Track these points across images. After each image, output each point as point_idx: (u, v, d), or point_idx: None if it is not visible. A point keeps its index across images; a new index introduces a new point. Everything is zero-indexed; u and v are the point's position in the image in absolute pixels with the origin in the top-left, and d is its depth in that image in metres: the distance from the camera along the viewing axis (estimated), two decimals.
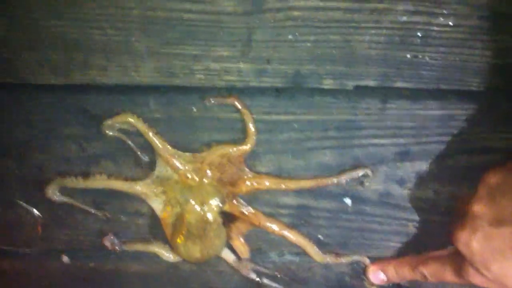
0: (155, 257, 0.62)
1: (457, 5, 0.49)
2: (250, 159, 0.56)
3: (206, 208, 0.54)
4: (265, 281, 0.60)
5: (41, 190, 0.58)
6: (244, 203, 0.57)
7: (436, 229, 0.58)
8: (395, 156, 0.56)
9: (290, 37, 0.51)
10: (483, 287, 0.50)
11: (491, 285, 0.49)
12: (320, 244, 0.60)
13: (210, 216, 0.54)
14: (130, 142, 0.54)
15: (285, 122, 0.55)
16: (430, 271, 0.55)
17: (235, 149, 0.53)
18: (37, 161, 0.58)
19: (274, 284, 0.60)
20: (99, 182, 0.56)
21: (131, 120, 0.52)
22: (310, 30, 0.51)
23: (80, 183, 0.56)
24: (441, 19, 0.50)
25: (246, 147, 0.54)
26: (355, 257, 0.61)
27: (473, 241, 0.48)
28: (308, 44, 0.51)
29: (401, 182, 0.57)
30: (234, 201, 0.56)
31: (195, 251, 0.55)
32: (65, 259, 0.62)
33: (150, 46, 0.51)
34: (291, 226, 0.59)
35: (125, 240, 0.60)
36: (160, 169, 0.54)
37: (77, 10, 0.50)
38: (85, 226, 0.60)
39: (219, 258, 0.61)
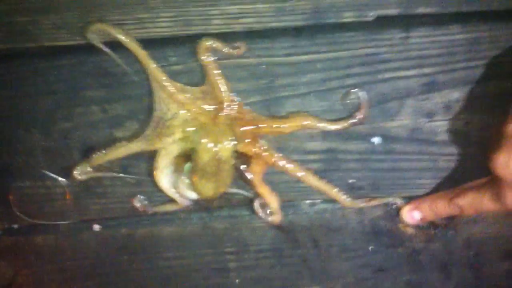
0: (188, 218, 0.57)
1: None
2: (273, 105, 0.50)
3: (219, 146, 0.49)
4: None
5: (68, 160, 0.53)
6: (259, 142, 0.51)
7: (468, 162, 0.53)
8: (421, 87, 0.51)
9: None
10: None
11: None
12: (352, 188, 0.55)
13: (223, 155, 0.50)
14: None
15: (307, 62, 0.50)
16: (467, 201, 0.50)
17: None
18: (62, 130, 0.53)
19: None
20: (122, 150, 0.51)
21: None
22: None
23: (104, 157, 0.52)
24: None
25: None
26: (387, 199, 0.54)
27: (511, 161, 0.44)
28: None
29: (429, 115, 0.52)
30: (246, 141, 0.50)
31: (209, 189, 0.50)
32: (96, 227, 0.57)
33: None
34: (320, 172, 0.53)
35: (155, 202, 0.55)
36: (162, 110, 0.49)
37: None
38: (114, 193, 0.56)
39: (252, 215, 0.55)
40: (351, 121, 0.51)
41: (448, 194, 0.52)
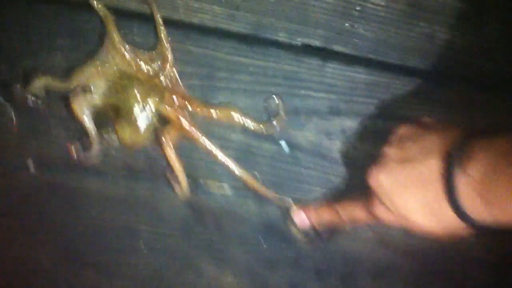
0: (116, 183, 0.61)
1: None
2: (208, 90, 0.58)
3: (147, 100, 0.55)
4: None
5: (23, 94, 0.57)
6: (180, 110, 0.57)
7: (352, 181, 0.60)
8: (326, 109, 0.59)
9: None
10: (387, 220, 0.51)
11: (393, 218, 0.50)
12: (256, 180, 0.60)
13: (148, 108, 0.55)
14: None
15: (242, 64, 0.58)
16: (343, 209, 0.56)
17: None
18: (24, 67, 0.57)
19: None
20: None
21: None
22: None
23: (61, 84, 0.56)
24: None
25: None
26: (280, 198, 0.61)
27: (380, 175, 0.49)
28: (272, 0, 0.55)
29: (328, 134, 0.59)
30: (172, 107, 0.56)
31: (126, 134, 0.55)
32: (31, 167, 0.60)
33: None
34: (232, 159, 0.59)
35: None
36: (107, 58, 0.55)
37: None
38: (58, 136, 0.59)
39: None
40: (268, 125, 0.59)
41: (331, 201, 0.59)
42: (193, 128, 0.58)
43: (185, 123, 0.57)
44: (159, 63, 0.57)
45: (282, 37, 0.57)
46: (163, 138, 0.57)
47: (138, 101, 0.55)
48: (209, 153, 0.59)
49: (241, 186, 0.61)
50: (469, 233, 0.46)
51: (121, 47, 0.56)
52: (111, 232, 0.63)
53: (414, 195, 0.47)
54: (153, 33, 0.57)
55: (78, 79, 0.56)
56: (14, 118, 0.59)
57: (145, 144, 0.57)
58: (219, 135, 0.60)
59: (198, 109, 0.58)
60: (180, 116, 0.57)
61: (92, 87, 0.56)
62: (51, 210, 0.62)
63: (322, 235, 0.62)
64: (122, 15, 0.56)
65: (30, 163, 0.60)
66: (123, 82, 0.56)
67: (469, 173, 0.42)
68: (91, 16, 0.56)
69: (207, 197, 0.62)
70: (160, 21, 0.56)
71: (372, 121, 0.59)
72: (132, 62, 0.56)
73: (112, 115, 0.56)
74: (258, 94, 0.59)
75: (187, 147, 0.60)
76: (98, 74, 0.56)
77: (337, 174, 0.61)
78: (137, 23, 0.57)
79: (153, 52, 0.57)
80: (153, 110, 0.56)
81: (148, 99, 0.55)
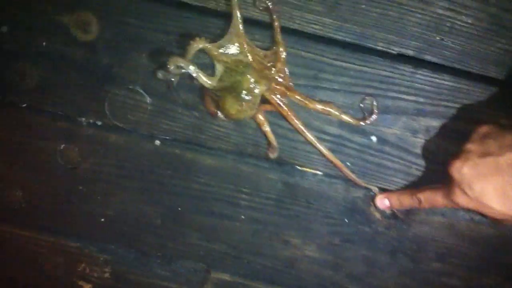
0: (225, 156, 0.71)
1: (477, 11, 0.63)
2: (313, 89, 0.67)
3: (257, 85, 0.62)
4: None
5: (160, 84, 0.67)
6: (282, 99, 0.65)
7: (432, 175, 0.68)
8: (414, 111, 0.67)
9: (363, 6, 0.64)
10: (465, 205, 0.59)
11: (472, 203, 0.58)
12: (347, 168, 0.69)
13: (256, 91, 0.63)
14: None
15: (345, 68, 0.66)
16: (425, 196, 0.63)
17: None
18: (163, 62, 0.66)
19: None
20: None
21: None
22: (377, 5, 0.64)
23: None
24: (464, 17, 0.64)
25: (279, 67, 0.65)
26: (369, 185, 0.70)
27: (464, 167, 0.57)
28: (374, 15, 0.64)
29: (414, 132, 0.67)
30: (274, 96, 0.65)
31: (234, 109, 0.62)
32: (157, 142, 0.70)
33: None
34: (329, 149, 0.69)
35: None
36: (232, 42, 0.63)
37: None
38: (181, 120, 0.69)
39: (270, 168, 0.70)
40: (362, 122, 0.68)
41: (412, 190, 0.67)
42: (290, 115, 0.66)
43: (284, 110, 0.66)
44: (272, 60, 0.65)
45: (380, 46, 0.65)
46: (260, 116, 0.66)
47: (249, 84, 0.63)
48: (305, 139, 0.67)
49: (332, 174, 0.70)
50: None
51: (242, 38, 0.64)
52: (215, 200, 0.72)
53: (492, 183, 0.55)
54: (270, 37, 0.66)
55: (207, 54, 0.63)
56: (148, 101, 0.70)
57: (246, 118, 0.65)
58: (317, 127, 0.68)
59: (301, 99, 0.66)
60: (281, 103, 0.66)
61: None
62: (168, 177, 0.72)
63: (398, 218, 0.72)
64: (246, 21, 0.64)
65: (157, 137, 0.70)
66: (239, 68, 0.64)
67: None
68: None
69: (301, 179, 0.72)
70: (278, 29, 0.65)
71: (453, 122, 0.66)
72: (249, 53, 0.65)
73: (222, 93, 0.64)
74: (355, 95, 0.67)
75: (288, 137, 0.69)
76: (220, 56, 0.64)
77: (419, 167, 0.69)
78: (259, 29, 0.66)
79: (268, 51, 0.66)
80: (259, 94, 0.63)
81: (257, 84, 0.62)
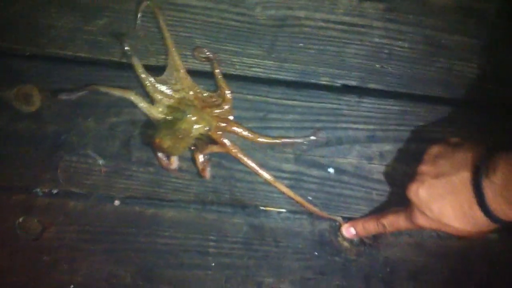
0: (187, 207, 0.69)
1: (412, 34, 0.64)
2: (264, 130, 0.66)
3: (196, 125, 0.62)
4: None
5: (111, 146, 0.67)
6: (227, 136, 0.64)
7: (392, 197, 0.67)
8: (365, 138, 0.66)
9: (301, 45, 0.64)
10: (427, 226, 0.59)
11: (432, 223, 0.58)
12: (310, 203, 0.69)
13: (194, 131, 0.62)
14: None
15: (292, 106, 0.65)
16: (388, 221, 0.63)
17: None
18: (110, 123, 0.67)
19: None
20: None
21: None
22: (315, 42, 0.63)
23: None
24: (400, 42, 0.64)
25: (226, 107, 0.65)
26: (333, 217, 0.69)
27: (420, 190, 0.57)
28: (313, 51, 0.64)
29: (369, 158, 0.67)
30: (218, 133, 0.64)
31: (166, 143, 0.61)
32: (117, 202, 0.68)
33: (206, 41, 0.64)
34: (288, 187, 0.68)
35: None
36: (171, 79, 0.63)
37: None
38: (137, 178, 0.67)
39: (234, 212, 0.70)
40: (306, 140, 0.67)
41: (376, 216, 0.66)
42: (238, 152, 0.65)
43: (232, 150, 0.65)
44: (217, 101, 0.64)
45: (324, 80, 0.65)
46: (198, 155, 0.65)
47: (187, 124, 0.62)
48: (258, 174, 0.66)
49: (296, 210, 0.69)
50: (497, 229, 0.55)
51: (184, 75, 0.63)
52: (183, 251, 0.70)
53: (449, 203, 0.55)
54: (214, 86, 0.65)
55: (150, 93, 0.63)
56: (102, 166, 0.69)
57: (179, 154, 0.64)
58: (274, 166, 0.67)
59: (248, 134, 0.65)
60: (228, 143, 0.65)
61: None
62: (132, 235, 0.69)
63: (367, 244, 0.71)
64: (188, 73, 0.64)
65: (116, 197, 0.69)
66: (181, 105, 0.63)
67: (493, 181, 0.50)
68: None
69: (266, 218, 0.70)
70: (220, 75, 0.65)
71: (405, 144, 0.66)
72: (192, 91, 0.64)
73: (160, 124, 0.64)
74: (306, 130, 0.67)
75: (247, 180, 0.68)
76: (161, 93, 0.64)
77: (379, 192, 0.68)
78: (202, 79, 0.65)
79: (213, 93, 0.65)
80: (196, 134, 0.62)
81: (197, 124, 0.62)
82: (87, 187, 0.67)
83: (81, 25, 0.61)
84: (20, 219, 0.67)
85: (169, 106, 0.63)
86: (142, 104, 0.63)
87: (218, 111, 0.64)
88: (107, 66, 0.63)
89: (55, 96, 0.62)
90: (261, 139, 0.65)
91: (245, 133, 0.65)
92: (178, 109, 0.63)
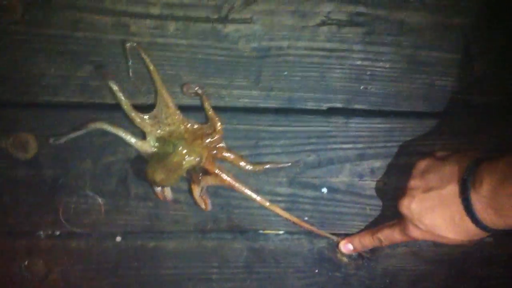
0: (186, 237, 0.71)
1: (392, 54, 0.66)
2: (256, 158, 0.68)
3: (187, 157, 0.63)
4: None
5: (107, 185, 0.68)
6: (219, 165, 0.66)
7: (386, 211, 0.69)
8: (355, 156, 0.68)
9: (285, 73, 0.66)
10: (421, 238, 0.61)
11: (426, 235, 0.60)
12: (306, 223, 0.71)
13: (185, 164, 0.63)
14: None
15: (282, 132, 0.67)
16: (384, 235, 0.65)
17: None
18: (106, 163, 0.68)
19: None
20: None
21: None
22: (298, 69, 0.65)
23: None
24: (381, 63, 0.66)
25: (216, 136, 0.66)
26: (329, 235, 0.71)
27: (412, 204, 0.59)
28: (297, 78, 0.66)
29: (360, 175, 0.69)
30: (210, 162, 0.65)
31: (158, 176, 0.62)
32: (118, 238, 0.69)
33: (193, 77, 0.65)
34: (284, 210, 0.70)
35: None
36: (160, 114, 0.65)
37: None
38: (136, 213, 0.68)
39: (234, 238, 0.71)
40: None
41: (372, 230, 0.69)
42: (232, 180, 0.66)
43: (224, 176, 0.67)
44: (208, 131, 0.66)
45: (310, 105, 0.66)
46: (196, 187, 0.67)
47: (178, 156, 0.63)
48: (253, 200, 0.68)
49: (294, 230, 0.70)
50: (486, 237, 0.57)
51: (173, 110, 0.65)
52: (187, 280, 0.71)
53: (440, 215, 0.57)
54: (204, 119, 0.67)
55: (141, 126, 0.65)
56: (100, 202, 0.71)
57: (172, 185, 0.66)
58: (269, 191, 0.69)
59: (243, 163, 0.67)
60: (220, 172, 0.66)
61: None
62: (135, 269, 0.70)
63: (365, 257, 0.73)
64: (179, 109, 0.66)
65: (117, 233, 0.71)
66: (172, 139, 0.64)
67: (480, 192, 0.52)
68: None
69: (265, 241, 0.72)
70: (209, 107, 0.66)
71: (395, 160, 0.68)
72: (181, 125, 0.65)
73: (151, 158, 0.65)
74: (298, 154, 0.69)
75: (243, 206, 0.69)
76: (152, 126, 0.65)
77: (373, 208, 0.70)
78: (192, 113, 0.67)
79: (204, 124, 0.66)
80: (188, 166, 0.64)
81: (188, 157, 0.63)
82: (88, 226, 0.68)
83: (71, 72, 0.62)
84: (25, 262, 0.68)
85: (160, 140, 0.64)
86: (134, 140, 0.64)
87: (208, 140, 0.64)
88: (99, 109, 0.64)
89: (48, 142, 0.62)
90: (250, 166, 0.67)
91: (237, 159, 0.66)
92: (169, 142, 0.64)
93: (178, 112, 0.64)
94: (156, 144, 0.64)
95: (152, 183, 0.65)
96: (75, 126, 0.64)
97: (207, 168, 0.65)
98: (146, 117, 0.64)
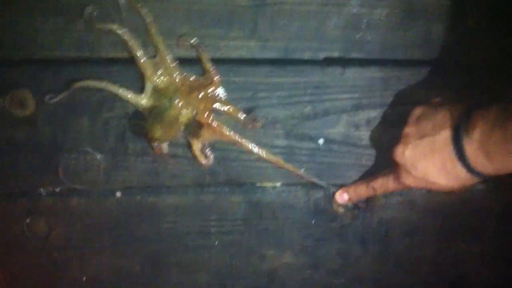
0: (185, 192, 0.71)
1: (389, 1, 0.65)
2: (253, 110, 0.67)
3: (183, 111, 0.63)
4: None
5: (106, 142, 0.67)
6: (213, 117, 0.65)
7: (381, 161, 0.69)
8: (351, 107, 0.68)
9: (282, 22, 0.65)
10: (414, 185, 0.62)
11: (419, 182, 0.60)
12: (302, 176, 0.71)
13: (181, 117, 0.64)
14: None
15: (278, 83, 0.66)
16: (378, 184, 0.65)
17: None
18: (104, 119, 0.67)
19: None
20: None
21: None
22: (295, 18, 0.63)
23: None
24: (378, 10, 0.66)
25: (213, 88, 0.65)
26: (323, 183, 0.71)
27: (405, 151, 0.59)
28: (294, 28, 0.65)
29: (356, 126, 0.68)
30: (205, 115, 0.65)
31: (157, 132, 0.63)
32: (118, 194, 0.69)
33: (190, 29, 0.64)
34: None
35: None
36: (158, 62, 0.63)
37: None
38: (136, 168, 0.68)
39: (232, 192, 0.72)
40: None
41: (366, 180, 0.69)
42: (228, 132, 0.66)
43: (222, 129, 0.66)
44: (204, 83, 0.65)
45: (307, 56, 0.66)
46: (196, 143, 0.67)
47: (175, 109, 0.63)
48: (251, 152, 0.68)
49: (291, 182, 0.71)
50: (478, 183, 0.57)
51: (169, 62, 0.64)
52: (186, 234, 0.72)
53: (433, 162, 0.57)
54: (201, 71, 0.66)
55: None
56: (101, 163, 0.70)
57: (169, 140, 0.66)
58: (266, 143, 0.69)
59: (235, 113, 0.66)
60: (214, 123, 0.66)
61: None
62: (135, 224, 0.71)
63: (360, 208, 0.74)
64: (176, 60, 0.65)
65: (116, 189, 0.70)
66: (168, 91, 0.64)
67: (472, 137, 0.52)
68: None
69: (262, 194, 0.73)
70: (205, 59, 0.65)
71: (391, 109, 0.68)
72: (178, 78, 0.64)
73: (149, 117, 0.65)
74: (295, 105, 0.68)
75: (241, 158, 0.69)
76: (148, 77, 0.64)
77: (368, 158, 0.70)
78: (188, 65, 0.66)
79: (200, 77, 0.65)
80: (185, 119, 0.64)
81: (184, 109, 0.63)
82: (88, 182, 0.68)
83: (66, 26, 0.60)
84: (28, 220, 0.68)
85: (156, 93, 0.63)
86: (130, 95, 0.64)
87: (205, 92, 0.64)
88: (96, 63, 0.63)
89: (44, 100, 0.61)
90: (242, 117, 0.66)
91: (234, 111, 0.66)
92: (165, 96, 0.63)
93: (174, 64, 0.63)
94: (153, 97, 0.63)
95: (151, 140, 0.64)
96: (71, 82, 0.62)
97: (204, 121, 0.64)
98: (148, 60, 0.63)
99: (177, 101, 0.62)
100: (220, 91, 0.65)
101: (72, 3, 0.60)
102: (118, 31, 0.61)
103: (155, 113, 0.63)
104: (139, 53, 0.63)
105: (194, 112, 0.62)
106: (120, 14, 0.61)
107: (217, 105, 0.65)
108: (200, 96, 0.63)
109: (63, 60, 0.63)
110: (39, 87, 0.63)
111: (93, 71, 0.63)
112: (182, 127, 0.64)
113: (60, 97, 0.62)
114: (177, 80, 0.62)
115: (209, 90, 0.63)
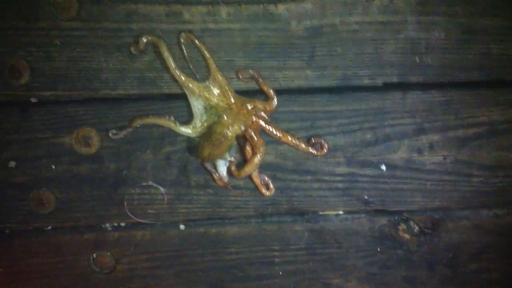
0: (248, 222, 0.69)
1: (446, 24, 0.62)
2: (314, 137, 0.66)
3: (231, 127, 0.61)
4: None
5: (168, 174, 0.66)
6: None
7: (446, 186, 0.67)
8: (413, 132, 0.65)
9: (339, 50, 0.64)
10: None
11: None
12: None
13: (229, 133, 0.62)
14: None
15: (338, 111, 0.64)
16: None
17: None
18: (166, 152, 0.67)
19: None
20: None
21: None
22: (352, 46, 0.62)
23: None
24: (436, 34, 0.63)
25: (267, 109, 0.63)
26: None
27: None
28: (351, 55, 0.63)
29: (419, 151, 0.66)
30: (252, 132, 0.63)
31: (206, 151, 0.62)
32: (182, 227, 0.68)
33: (247, 61, 0.63)
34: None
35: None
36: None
37: None
38: (198, 201, 0.67)
39: (295, 221, 0.69)
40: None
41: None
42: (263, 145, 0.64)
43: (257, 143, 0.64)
44: (257, 105, 0.63)
45: (366, 82, 0.65)
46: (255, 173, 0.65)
47: (223, 126, 0.62)
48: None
49: (353, 210, 0.68)
50: None
51: (223, 83, 0.63)
52: (249, 264, 0.69)
53: None
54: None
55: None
56: (162, 192, 0.70)
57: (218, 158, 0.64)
58: (328, 172, 0.67)
59: (277, 133, 0.64)
60: (254, 137, 0.64)
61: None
62: (199, 255, 0.69)
63: (427, 233, 0.70)
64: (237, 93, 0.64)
65: (180, 221, 0.69)
66: (219, 107, 0.63)
67: None
68: None
69: (325, 222, 0.70)
70: (265, 87, 0.64)
71: (453, 132, 0.65)
72: (232, 96, 0.63)
73: (200, 139, 0.64)
74: (355, 132, 0.67)
75: (302, 188, 0.68)
76: (200, 90, 0.63)
77: (433, 183, 0.67)
78: (249, 97, 0.65)
79: (258, 100, 0.64)
80: (234, 134, 0.62)
81: (232, 126, 0.62)
82: (152, 216, 0.67)
83: (129, 64, 0.60)
84: (94, 255, 0.67)
85: (205, 112, 0.63)
86: (182, 128, 0.64)
87: (256, 110, 0.62)
88: (157, 100, 0.63)
89: (108, 136, 0.61)
90: (288, 138, 0.64)
91: (277, 132, 0.64)
92: (214, 113, 0.62)
93: (228, 87, 0.62)
94: (202, 117, 0.62)
95: (202, 160, 0.63)
96: (132, 119, 0.61)
97: (249, 136, 0.63)
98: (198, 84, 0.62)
99: (225, 117, 0.61)
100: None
101: (133, 41, 0.59)
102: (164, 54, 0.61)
103: (204, 133, 0.62)
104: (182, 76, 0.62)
105: (242, 128, 0.60)
106: (181, 50, 0.59)
107: (265, 122, 0.63)
108: (251, 113, 0.61)
109: (125, 97, 0.63)
110: (102, 125, 0.63)
111: (155, 107, 0.64)
112: (231, 144, 0.62)
113: (123, 133, 0.61)
114: (231, 100, 0.61)
115: (263, 111, 0.61)
